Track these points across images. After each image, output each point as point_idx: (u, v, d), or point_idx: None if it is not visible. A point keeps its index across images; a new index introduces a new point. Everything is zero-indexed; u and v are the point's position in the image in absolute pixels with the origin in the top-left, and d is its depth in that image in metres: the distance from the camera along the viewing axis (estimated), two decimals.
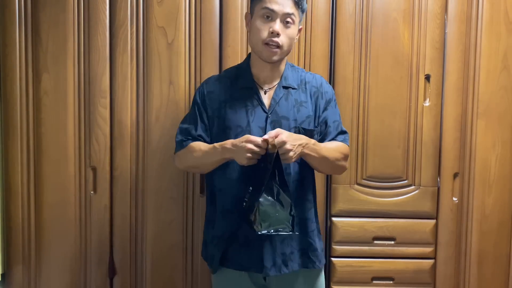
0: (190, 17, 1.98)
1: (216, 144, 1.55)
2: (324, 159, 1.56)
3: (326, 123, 1.64)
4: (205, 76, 1.98)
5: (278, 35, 1.52)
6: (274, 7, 1.51)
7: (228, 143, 1.51)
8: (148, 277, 2.04)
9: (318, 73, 1.95)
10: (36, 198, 2.02)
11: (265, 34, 1.53)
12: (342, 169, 1.66)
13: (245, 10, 1.96)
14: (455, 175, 2.04)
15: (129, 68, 1.99)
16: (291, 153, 1.44)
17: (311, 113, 1.62)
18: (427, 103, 2.01)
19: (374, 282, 2.04)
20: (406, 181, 2.03)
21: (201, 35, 1.98)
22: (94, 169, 2.01)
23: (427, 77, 2.00)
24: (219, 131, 1.61)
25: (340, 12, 1.99)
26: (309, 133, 1.59)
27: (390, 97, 2.01)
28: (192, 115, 1.67)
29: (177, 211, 2.02)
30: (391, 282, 2.04)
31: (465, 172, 2.05)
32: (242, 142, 1.46)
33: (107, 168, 2.01)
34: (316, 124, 1.63)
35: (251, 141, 1.45)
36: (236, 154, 1.49)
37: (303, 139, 1.50)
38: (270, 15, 1.53)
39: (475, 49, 2.01)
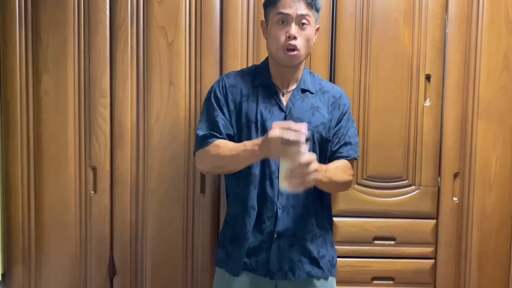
0: (191, 17, 1.98)
1: (246, 142, 1.49)
2: (333, 185, 1.56)
3: (336, 135, 1.63)
4: (205, 76, 1.98)
5: (295, 38, 1.52)
6: (288, 10, 1.51)
7: (257, 141, 1.45)
8: (148, 277, 2.04)
9: (318, 74, 1.95)
10: (36, 198, 2.02)
11: (282, 39, 1.52)
12: (347, 188, 1.67)
13: (245, 10, 1.96)
14: (456, 175, 2.04)
15: (129, 68, 1.99)
16: (315, 174, 1.37)
17: (326, 121, 1.61)
18: (427, 103, 2.01)
19: (374, 282, 2.04)
20: (406, 181, 2.03)
21: (201, 35, 1.98)
22: (94, 169, 2.01)
23: (428, 77, 2.00)
24: (239, 125, 1.59)
25: (340, 12, 1.99)
26: (322, 142, 1.59)
27: (391, 97, 2.00)
28: (212, 109, 1.60)
29: (177, 211, 2.02)
30: (391, 282, 2.04)
31: (465, 172, 2.05)
32: (275, 133, 1.36)
33: (107, 168, 2.01)
34: (329, 135, 1.62)
35: (287, 128, 1.36)
36: (270, 148, 1.39)
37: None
38: (285, 20, 1.52)
39: (476, 49, 2.01)
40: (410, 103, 2.01)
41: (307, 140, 1.35)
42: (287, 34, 1.51)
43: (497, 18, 2.00)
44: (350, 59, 1.99)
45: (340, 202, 2.02)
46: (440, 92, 2.01)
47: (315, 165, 1.35)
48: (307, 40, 1.55)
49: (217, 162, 1.56)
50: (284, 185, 1.37)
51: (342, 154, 1.62)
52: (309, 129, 1.52)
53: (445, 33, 2.00)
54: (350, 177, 1.62)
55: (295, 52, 1.53)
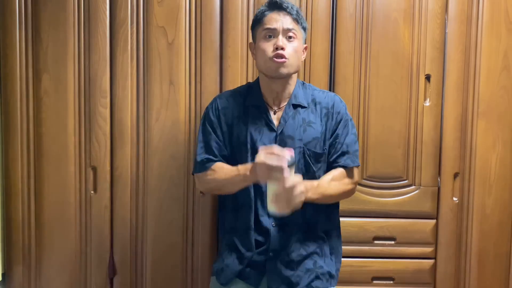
0: (191, 17, 1.98)
1: (239, 167, 1.53)
2: (328, 197, 1.56)
3: (332, 145, 1.62)
4: (205, 76, 1.99)
5: (283, 48, 1.52)
6: (274, 25, 1.54)
7: (248, 166, 1.49)
8: (148, 277, 2.04)
9: (318, 74, 1.95)
10: (36, 198, 2.02)
11: (269, 51, 1.54)
12: (349, 196, 1.67)
13: (245, 10, 1.97)
14: (456, 175, 2.04)
15: (129, 68, 1.99)
16: (301, 197, 1.41)
17: (319, 135, 1.60)
18: (427, 103, 2.01)
19: (374, 282, 2.04)
20: (406, 181, 2.03)
21: (201, 35, 1.98)
22: (94, 169, 2.01)
23: (428, 77, 2.00)
24: (232, 147, 1.62)
25: (340, 12, 1.99)
26: (316, 156, 1.59)
27: (391, 97, 2.00)
28: (207, 132, 1.64)
29: (178, 211, 2.02)
30: (391, 282, 2.04)
31: (465, 172, 2.05)
32: (260, 159, 1.40)
33: (107, 168, 2.01)
34: (325, 147, 1.61)
35: (269, 153, 1.40)
36: (258, 174, 1.44)
37: (303, 183, 1.45)
38: (271, 34, 1.54)
39: (476, 49, 2.01)
40: (410, 103, 2.01)
41: (291, 165, 1.39)
42: (275, 46, 1.53)
43: (497, 18, 2.00)
44: (350, 59, 1.99)
45: (340, 202, 2.01)
46: (440, 92, 2.01)
47: (301, 187, 1.39)
48: (295, 52, 1.55)
49: (214, 186, 1.62)
50: (272, 208, 1.43)
51: (339, 163, 1.61)
52: (299, 145, 1.56)
53: (445, 33, 2.00)
54: (349, 186, 1.61)
55: (283, 59, 1.53)
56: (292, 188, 1.37)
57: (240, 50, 1.98)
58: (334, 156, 1.61)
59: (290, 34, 1.54)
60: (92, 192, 2.02)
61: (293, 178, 1.39)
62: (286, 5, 1.55)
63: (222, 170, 1.57)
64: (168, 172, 2.01)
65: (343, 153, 1.61)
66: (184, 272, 2.04)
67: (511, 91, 2.03)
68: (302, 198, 1.41)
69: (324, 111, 1.62)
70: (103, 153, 2.01)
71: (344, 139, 1.62)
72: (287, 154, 1.38)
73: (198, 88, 2.00)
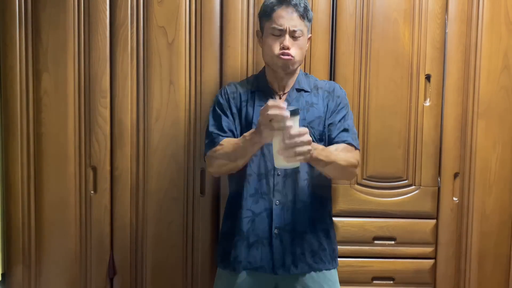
0: (191, 17, 1.98)
1: (245, 133, 1.54)
2: (334, 166, 1.54)
3: (333, 123, 1.65)
4: (205, 76, 1.99)
5: (288, 48, 1.59)
6: (281, 25, 1.59)
7: (253, 130, 1.49)
8: (148, 277, 2.04)
9: (318, 74, 1.95)
10: (36, 198, 2.02)
11: (276, 49, 1.60)
12: (352, 175, 1.67)
13: (245, 10, 1.97)
14: (456, 175, 2.04)
15: (129, 67, 1.99)
16: (308, 146, 1.37)
17: (322, 114, 1.66)
18: (427, 103, 2.01)
19: (374, 282, 2.04)
20: (406, 181, 2.03)
21: (201, 35, 1.98)
22: (94, 169, 2.01)
23: (428, 77, 2.00)
24: (241, 127, 1.66)
25: (340, 12, 1.99)
26: (320, 135, 1.63)
27: (391, 97, 2.00)
28: (216, 115, 1.68)
29: (178, 211, 2.02)
30: (391, 282, 2.04)
31: (465, 172, 2.05)
32: (261, 116, 1.41)
33: (107, 168, 2.01)
34: (325, 125, 1.65)
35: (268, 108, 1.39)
36: (262, 130, 1.43)
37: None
38: (279, 33, 1.60)
39: (476, 49, 2.01)
40: (410, 103, 2.01)
41: (294, 114, 1.38)
42: (281, 45, 1.59)
43: (497, 18, 2.00)
44: (350, 59, 1.99)
45: (340, 202, 2.02)
46: (440, 92, 2.01)
47: (307, 136, 1.37)
48: (300, 49, 1.63)
49: (223, 161, 1.60)
50: (279, 160, 1.40)
51: (341, 139, 1.62)
52: (303, 124, 1.58)
53: (445, 33, 2.00)
54: (353, 160, 1.60)
55: (289, 57, 1.60)
56: (298, 135, 1.35)
57: (240, 50, 1.98)
58: (336, 132, 1.63)
59: (297, 34, 1.60)
60: (92, 192, 2.02)
61: (299, 127, 1.38)
62: (295, 2, 1.59)
63: (229, 142, 1.59)
64: (168, 172, 2.01)
65: (345, 130, 1.64)
66: (184, 272, 2.04)
67: (511, 91, 2.03)
68: (309, 148, 1.37)
69: (326, 93, 1.70)
70: (103, 153, 2.01)
71: (345, 120, 1.67)
72: (285, 104, 1.37)
73: (198, 88, 2.00)
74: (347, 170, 1.60)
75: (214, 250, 2.01)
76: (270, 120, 1.37)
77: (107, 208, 2.02)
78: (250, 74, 1.97)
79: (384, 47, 1.99)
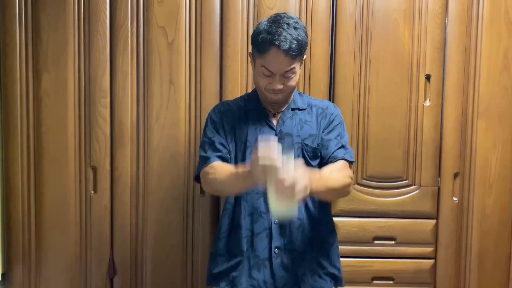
0: (191, 17, 1.98)
1: (239, 167, 1.49)
2: (330, 192, 1.51)
3: (328, 139, 1.60)
4: (205, 76, 1.99)
5: (279, 90, 1.52)
6: (272, 69, 1.49)
7: (247, 166, 1.41)
8: (148, 277, 2.04)
9: (318, 73, 1.96)
10: (36, 198, 2.02)
11: (266, 85, 1.53)
12: (348, 193, 1.60)
13: (245, 10, 1.97)
14: (456, 175, 2.04)
15: (130, 67, 1.99)
16: (304, 193, 1.31)
17: (315, 131, 1.61)
18: (427, 103, 2.01)
19: (374, 282, 2.04)
20: (406, 181, 2.03)
21: (201, 35, 1.98)
22: (94, 169, 2.01)
23: (428, 77, 2.00)
24: (234, 146, 1.62)
25: (340, 12, 1.99)
26: (314, 152, 1.59)
27: (391, 97, 2.00)
28: (210, 133, 1.63)
29: (178, 211, 2.02)
30: (391, 282, 2.04)
31: (465, 172, 2.05)
32: (253, 157, 1.34)
33: (107, 168, 2.01)
34: (319, 143, 1.60)
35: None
36: (253, 173, 1.36)
37: (306, 175, 1.37)
38: (269, 74, 1.51)
39: (476, 49, 2.01)
40: (410, 103, 2.01)
41: (288, 152, 1.31)
42: (271, 86, 1.52)
43: (497, 18, 2.00)
44: (350, 59, 1.99)
45: (340, 202, 2.02)
46: (440, 92, 2.01)
47: (304, 181, 1.29)
48: (292, 83, 1.54)
49: (215, 187, 1.58)
50: (276, 211, 1.36)
51: (338, 157, 1.58)
52: (297, 141, 1.56)
53: (445, 33, 2.00)
54: (348, 179, 1.57)
55: (279, 96, 1.55)
56: (293, 185, 1.26)
57: (240, 50, 1.98)
58: (334, 149, 1.59)
59: (289, 74, 1.51)
60: (92, 192, 2.02)
61: (292, 173, 1.28)
62: (287, 46, 1.45)
63: (222, 169, 1.54)
64: (168, 172, 2.01)
65: (342, 147, 1.61)
66: (184, 272, 2.04)
67: (511, 91, 2.03)
68: (307, 192, 1.31)
69: (320, 110, 1.65)
70: (103, 153, 2.01)
71: (341, 137, 1.63)
72: (276, 147, 1.30)
73: (198, 88, 2.00)
74: (343, 191, 1.56)
75: None
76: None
77: (107, 208, 2.02)
78: (250, 75, 1.97)
79: (384, 47, 1.99)
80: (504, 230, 2.07)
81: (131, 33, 1.98)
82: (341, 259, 1.99)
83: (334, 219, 1.98)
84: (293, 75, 1.53)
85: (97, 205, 2.02)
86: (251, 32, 1.97)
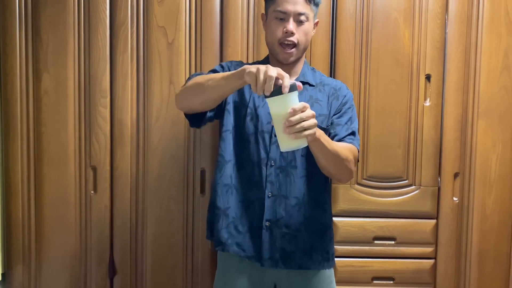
0: (191, 17, 1.98)
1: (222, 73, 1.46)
2: (333, 154, 1.47)
3: (338, 123, 1.59)
4: None
5: (292, 33, 1.53)
6: (286, 9, 1.52)
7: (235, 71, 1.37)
8: (148, 277, 2.04)
9: None
10: (36, 198, 2.02)
11: (279, 34, 1.54)
12: (349, 172, 1.56)
13: (245, 10, 1.97)
14: (456, 175, 2.04)
15: (130, 67, 1.99)
16: (313, 121, 1.28)
17: (326, 112, 1.60)
18: (427, 103, 2.01)
19: (374, 282, 2.04)
20: (406, 181, 2.03)
21: (201, 35, 1.98)
22: (94, 169, 2.01)
23: (428, 77, 2.00)
24: (235, 104, 1.60)
25: (340, 12, 1.99)
26: (326, 132, 1.55)
27: (391, 97, 2.00)
28: (215, 69, 1.61)
29: (177, 211, 2.02)
30: (391, 282, 2.04)
31: (465, 172, 2.05)
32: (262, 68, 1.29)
33: (107, 168, 2.01)
34: (328, 123, 1.59)
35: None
36: (245, 75, 1.33)
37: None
38: (283, 17, 1.54)
39: (476, 49, 2.01)
40: (410, 103, 2.01)
41: (292, 88, 1.27)
42: (285, 30, 1.53)
43: (497, 18, 2.00)
44: (350, 58, 1.99)
45: (340, 202, 2.02)
46: (440, 92, 2.01)
47: (311, 111, 1.29)
48: (305, 35, 1.56)
49: (192, 88, 1.49)
50: (284, 141, 1.30)
51: (346, 141, 1.56)
52: None
53: (445, 33, 2.00)
54: (351, 158, 1.53)
55: (291, 50, 1.55)
56: (302, 108, 1.26)
57: (240, 50, 1.98)
58: (344, 134, 1.57)
59: (302, 18, 1.53)
60: (92, 192, 2.02)
61: (301, 105, 1.27)
62: None
63: (203, 75, 1.49)
64: (168, 172, 2.01)
65: (352, 133, 1.59)
66: (184, 272, 2.04)
67: (511, 91, 2.03)
68: (315, 122, 1.29)
69: (332, 91, 1.63)
70: (103, 153, 2.01)
71: (352, 122, 1.61)
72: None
73: None
74: (344, 165, 1.51)
75: (213, 250, 2.01)
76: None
77: (107, 208, 2.02)
78: None
79: (384, 46, 1.99)
80: (504, 230, 2.07)
81: (131, 33, 1.98)
82: (341, 259, 2.01)
83: (334, 219, 1.99)
84: (307, 22, 1.54)
85: (97, 205, 2.02)
86: (251, 32, 1.98)
